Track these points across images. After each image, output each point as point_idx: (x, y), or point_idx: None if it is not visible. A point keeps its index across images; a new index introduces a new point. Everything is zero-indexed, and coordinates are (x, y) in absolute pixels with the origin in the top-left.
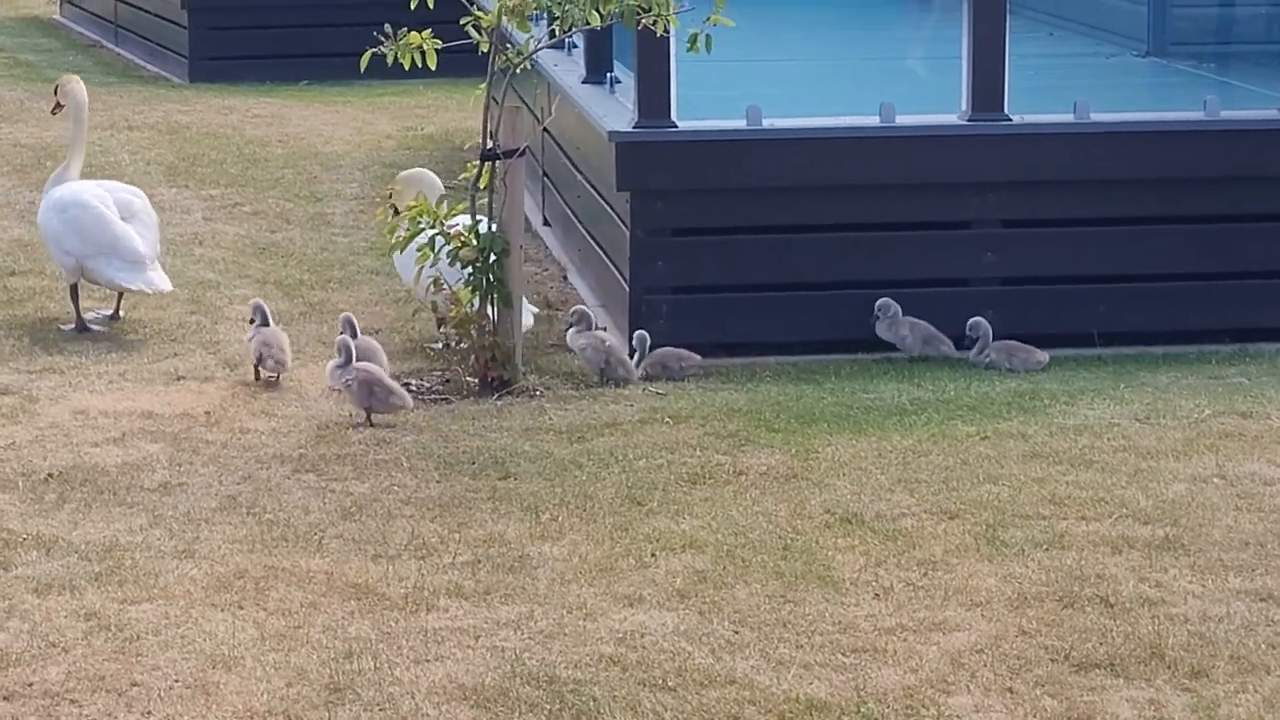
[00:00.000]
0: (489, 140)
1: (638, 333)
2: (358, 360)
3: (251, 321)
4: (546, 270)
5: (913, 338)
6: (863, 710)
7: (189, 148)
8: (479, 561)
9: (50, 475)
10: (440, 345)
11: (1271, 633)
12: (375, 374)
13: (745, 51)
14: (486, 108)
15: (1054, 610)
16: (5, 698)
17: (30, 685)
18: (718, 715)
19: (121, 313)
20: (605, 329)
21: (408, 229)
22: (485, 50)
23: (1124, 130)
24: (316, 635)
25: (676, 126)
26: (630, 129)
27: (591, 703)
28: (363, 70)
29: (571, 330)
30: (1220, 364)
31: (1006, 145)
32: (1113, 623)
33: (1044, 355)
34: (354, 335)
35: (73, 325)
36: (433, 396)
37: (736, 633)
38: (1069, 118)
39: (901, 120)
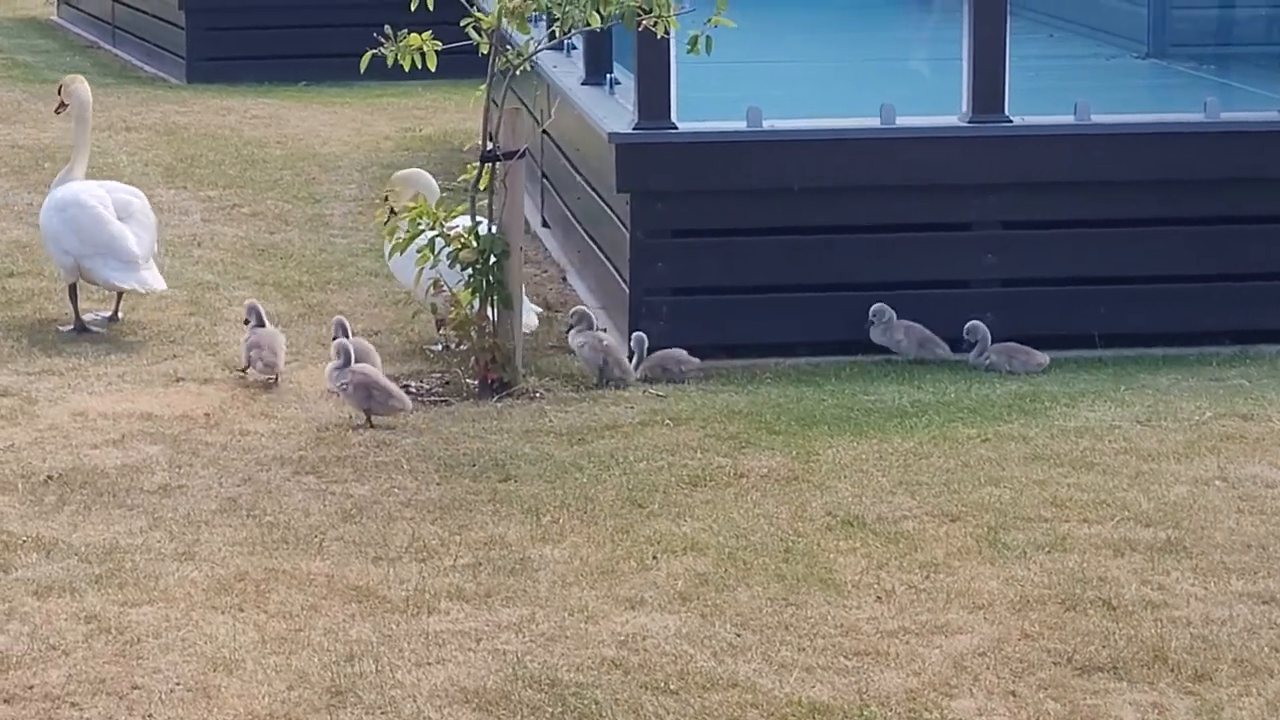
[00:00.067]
0: (489, 142)
1: (635, 334)
2: (354, 362)
3: (246, 323)
4: (545, 272)
5: (908, 341)
6: (865, 714)
7: (187, 149)
8: (480, 564)
9: (50, 477)
10: (440, 347)
11: (1275, 635)
12: (372, 376)
13: (745, 53)
14: (486, 109)
15: (1056, 613)
16: (6, 701)
17: (31, 688)
18: (720, 718)
19: (120, 314)
20: (605, 330)
21: (407, 231)
22: (485, 52)
23: (1125, 132)
24: (317, 638)
25: (676, 128)
26: (630, 130)
27: (594, 706)
28: (363, 71)
29: (571, 331)
30: (1221, 366)
31: (1007, 147)
32: (1115, 626)
33: (1044, 357)
34: (346, 337)
35: (71, 326)
36: (432, 398)
37: (739, 635)
38: (1070, 119)
39: (902, 122)
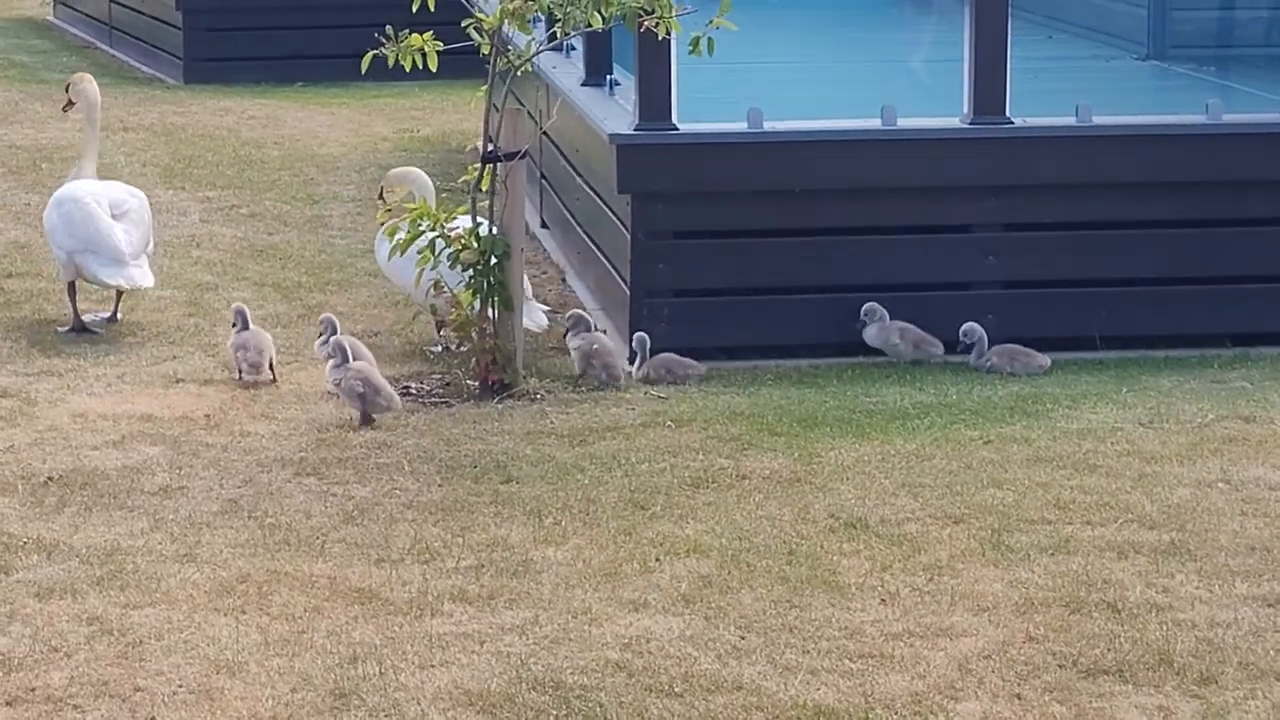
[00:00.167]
0: (490, 143)
1: (637, 335)
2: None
3: (233, 326)
4: (545, 273)
5: (904, 343)
6: (870, 717)
7: (185, 149)
8: (482, 566)
9: (50, 478)
10: (440, 348)
11: None
12: (364, 373)
13: (746, 54)
14: (487, 110)
15: (1061, 616)
16: (8, 703)
17: (33, 690)
18: None
19: (120, 315)
20: (605, 331)
21: (407, 232)
22: (486, 53)
23: (1126, 133)
24: (320, 640)
25: (677, 129)
26: (631, 131)
27: (598, 708)
28: (363, 72)
29: (569, 334)
30: (1222, 368)
31: (1008, 148)
32: (1120, 628)
33: (1046, 359)
34: (335, 335)
35: (69, 326)
36: (433, 400)
37: (742, 638)
38: (1071, 121)
39: (903, 123)
